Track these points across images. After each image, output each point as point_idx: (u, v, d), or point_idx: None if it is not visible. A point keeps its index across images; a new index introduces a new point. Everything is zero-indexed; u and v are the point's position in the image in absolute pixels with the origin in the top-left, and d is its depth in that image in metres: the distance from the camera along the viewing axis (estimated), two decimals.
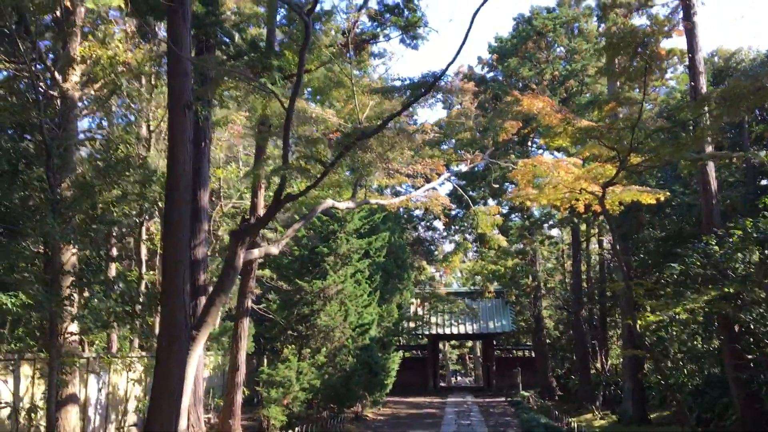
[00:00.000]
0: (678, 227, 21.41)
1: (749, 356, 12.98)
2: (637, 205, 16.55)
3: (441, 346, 49.98)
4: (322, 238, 22.71)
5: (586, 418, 24.35)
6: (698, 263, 12.88)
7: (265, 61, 13.11)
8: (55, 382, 11.66)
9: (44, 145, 11.59)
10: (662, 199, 14.55)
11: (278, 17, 16.06)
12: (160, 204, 15.91)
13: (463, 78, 20.24)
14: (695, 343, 18.40)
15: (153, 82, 19.52)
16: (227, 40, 13.97)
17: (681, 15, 16.25)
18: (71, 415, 13.19)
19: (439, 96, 14.36)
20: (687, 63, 17.06)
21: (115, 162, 12.90)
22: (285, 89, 12.35)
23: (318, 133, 13.53)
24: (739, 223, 12.54)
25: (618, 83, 20.98)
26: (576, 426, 19.24)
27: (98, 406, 16.30)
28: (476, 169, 29.55)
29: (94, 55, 13.67)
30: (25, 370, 13.00)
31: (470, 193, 29.86)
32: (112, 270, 20.17)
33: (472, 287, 42.94)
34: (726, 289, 11.65)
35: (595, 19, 29.97)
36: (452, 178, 28.86)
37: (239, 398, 16.60)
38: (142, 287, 19.11)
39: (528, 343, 43.35)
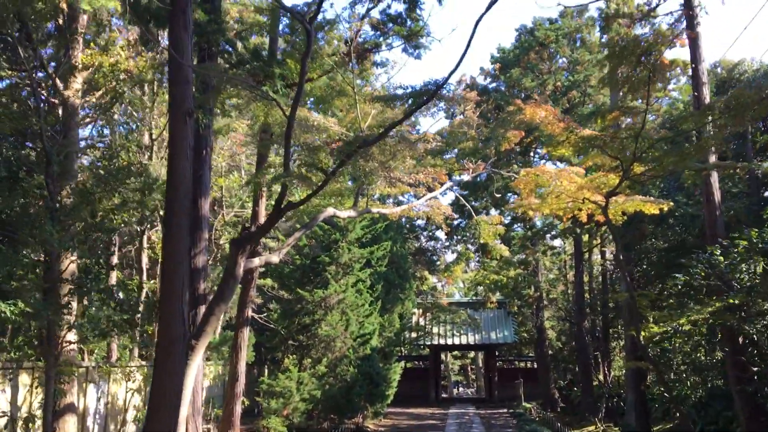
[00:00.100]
0: (681, 238, 21.29)
1: (755, 368, 12.83)
2: (640, 215, 16.43)
3: (443, 356, 49.77)
4: (324, 247, 22.65)
5: (588, 430, 24.17)
6: (703, 274, 12.77)
7: (267, 69, 13.10)
8: (52, 392, 11.56)
9: (44, 153, 11.55)
10: (665, 209, 14.45)
11: (281, 26, 16.07)
12: (160, 212, 15.86)
13: (466, 87, 20.19)
14: (698, 354, 18.24)
15: (155, 90, 19.53)
16: (229, 49, 13.96)
17: (684, 25, 16.20)
18: (69, 425, 13.09)
19: (442, 105, 14.33)
20: (690, 74, 16.97)
21: (116, 170, 12.86)
22: (288, 98, 12.31)
23: (320, 141, 13.48)
24: (744, 233, 12.43)
25: (620, 93, 20.96)
26: None
27: (97, 416, 16.19)
28: (478, 179, 29.49)
29: (96, 63, 13.66)
30: (24, 379, 12.91)
31: (472, 203, 29.76)
32: (113, 278, 20.13)
33: (474, 297, 42.78)
34: (731, 300, 11.54)
35: (597, 30, 29.98)
36: (455, 187, 28.80)
37: (238, 409, 16.47)
38: (143, 296, 19.06)
39: (530, 354, 43.16)
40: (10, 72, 13.09)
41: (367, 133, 13.07)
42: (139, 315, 15.01)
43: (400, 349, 33.96)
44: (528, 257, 32.92)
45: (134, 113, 19.89)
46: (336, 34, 17.18)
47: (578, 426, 25.00)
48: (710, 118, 11.40)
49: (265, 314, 23.50)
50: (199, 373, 13.18)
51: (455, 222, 33.36)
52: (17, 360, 12.98)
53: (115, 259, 20.75)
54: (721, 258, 12.49)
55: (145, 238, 20.91)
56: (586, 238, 31.45)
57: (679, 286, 14.62)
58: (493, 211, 32.26)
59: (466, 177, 20.58)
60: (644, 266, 23.50)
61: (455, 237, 37.14)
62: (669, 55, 12.29)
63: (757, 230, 12.12)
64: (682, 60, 16.43)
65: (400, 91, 15.31)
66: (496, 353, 39.62)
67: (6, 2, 11.74)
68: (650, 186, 20.60)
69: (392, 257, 27.75)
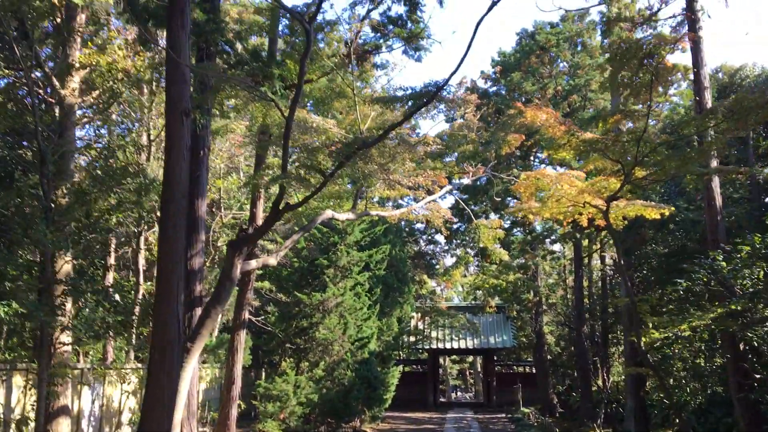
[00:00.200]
0: (681, 243, 21.19)
1: (757, 376, 12.71)
2: (641, 220, 16.32)
3: (441, 360, 49.57)
4: (322, 250, 22.53)
5: None
6: (705, 279, 12.65)
7: (266, 70, 12.97)
8: (44, 393, 11.43)
9: (39, 152, 11.44)
10: (666, 214, 14.35)
11: (280, 27, 15.97)
12: (157, 213, 15.73)
13: (466, 90, 20.08)
14: (698, 361, 18.13)
15: (154, 91, 19.43)
16: (228, 49, 13.84)
17: (686, 29, 16.13)
18: (62, 427, 12.93)
19: (442, 107, 14.23)
20: (691, 78, 16.92)
21: (112, 170, 12.75)
22: (287, 100, 12.21)
23: (319, 143, 13.37)
24: (747, 238, 12.32)
25: (621, 98, 20.87)
26: None
27: (92, 418, 16.04)
28: (478, 182, 29.37)
29: (93, 62, 13.55)
30: (17, 380, 12.77)
31: (472, 207, 29.66)
32: (110, 279, 20.00)
33: (473, 302, 42.63)
34: (733, 306, 11.42)
35: (598, 34, 29.91)
36: (454, 191, 28.69)
37: (234, 412, 16.33)
38: (139, 298, 18.93)
39: (529, 359, 42.98)
40: (6, 71, 12.98)
41: (367, 135, 12.97)
42: (135, 317, 14.87)
43: (398, 353, 33.79)
44: (527, 262, 32.80)
45: (132, 113, 19.77)
46: (336, 35, 17.09)
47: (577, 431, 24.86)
48: (713, 122, 11.28)
49: (262, 317, 23.36)
50: (195, 376, 13.05)
51: (455, 226, 33.21)
52: (11, 361, 12.85)
53: (111, 260, 20.62)
54: (724, 263, 12.38)
55: (142, 239, 20.77)
56: (585, 243, 31.35)
57: (681, 292, 14.51)
58: (492, 216, 32.11)
59: (466, 180, 20.47)
60: (644, 271, 23.40)
61: (454, 241, 37.00)
62: (669, 60, 12.16)
63: (760, 235, 12.01)
64: (683, 65, 16.35)
65: (400, 93, 15.20)
66: (495, 358, 39.46)
67: (3, 0, 11.64)
68: (650, 191, 20.51)
69: (391, 261, 27.62)
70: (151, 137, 20.21)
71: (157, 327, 8.60)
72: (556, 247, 37.78)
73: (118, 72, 13.94)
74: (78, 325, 12.04)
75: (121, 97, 16.14)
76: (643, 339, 12.98)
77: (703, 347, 17.05)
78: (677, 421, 18.35)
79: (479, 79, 32.63)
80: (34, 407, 12.18)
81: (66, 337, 12.31)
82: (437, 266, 40.16)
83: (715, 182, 15.73)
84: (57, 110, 13.34)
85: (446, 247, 39.88)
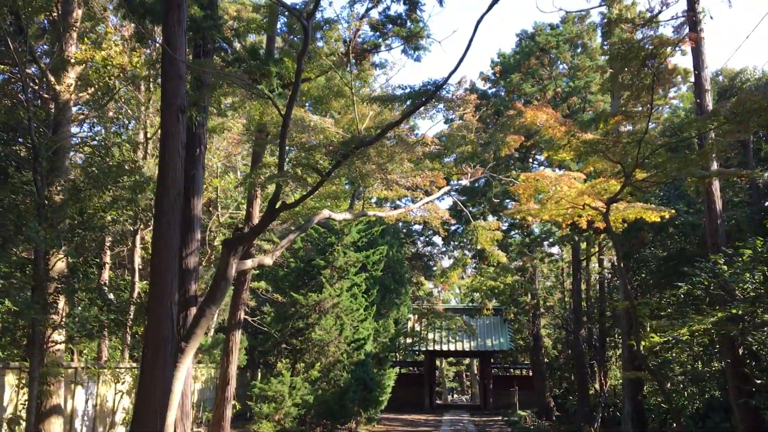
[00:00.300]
0: (680, 247, 21.10)
1: (758, 381, 12.59)
2: (640, 223, 16.21)
3: (438, 363, 49.45)
4: (319, 250, 22.42)
5: None
6: (706, 282, 12.54)
7: (263, 67, 12.86)
8: (35, 393, 11.27)
9: (33, 148, 11.30)
10: (667, 217, 14.24)
11: (279, 25, 15.87)
12: (154, 211, 15.57)
13: (466, 90, 19.96)
14: (697, 365, 18.02)
15: (151, 88, 19.29)
16: (226, 46, 13.73)
17: (687, 30, 16.03)
18: (55, 427, 12.76)
19: (441, 106, 14.07)
20: (691, 81, 16.82)
21: (107, 167, 12.60)
22: (285, 99, 12.09)
23: (316, 142, 13.25)
24: (749, 241, 12.21)
25: (621, 100, 20.76)
26: None
27: (85, 418, 15.90)
28: (477, 184, 29.29)
29: (89, 57, 13.42)
30: (10, 379, 12.64)
31: (470, 209, 29.54)
32: (105, 278, 19.84)
33: (470, 304, 42.54)
34: (734, 311, 11.31)
35: (598, 36, 29.85)
36: (453, 192, 28.60)
37: (229, 413, 16.19)
38: (135, 296, 18.78)
39: (526, 362, 42.90)
40: (1, 66, 12.85)
41: (365, 134, 12.84)
42: (130, 316, 14.72)
43: (394, 355, 33.65)
44: (525, 264, 32.70)
45: (129, 111, 19.64)
46: (334, 34, 16.98)
47: None
48: (715, 123, 11.18)
49: (258, 317, 23.24)
50: (189, 376, 12.92)
51: (452, 227, 33.13)
52: (3, 360, 12.71)
53: (107, 259, 20.48)
54: (725, 267, 12.26)
55: (138, 238, 20.63)
56: (583, 246, 31.26)
57: (682, 295, 14.39)
58: (491, 218, 32.01)
59: (464, 181, 20.38)
60: (642, 275, 23.30)
61: (452, 243, 36.91)
62: (670, 62, 12.07)
63: (762, 239, 11.89)
64: (682, 68, 16.28)
65: (398, 92, 15.06)
66: (492, 360, 39.38)
67: None
68: (650, 194, 20.42)
69: (388, 262, 27.51)
70: (148, 135, 20.07)
71: (151, 324, 8.49)
72: (554, 249, 37.73)
73: (113, 68, 13.80)
74: (70, 324, 11.89)
75: (117, 94, 16.00)
76: (643, 343, 12.86)
77: (700, 352, 16.94)
78: (675, 425, 18.25)
79: (478, 80, 32.56)
80: (23, 406, 12.04)
81: (58, 336, 12.16)
82: (434, 268, 40.06)
83: (716, 185, 15.64)
84: (52, 106, 13.20)
85: (444, 249, 39.82)
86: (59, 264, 12.07)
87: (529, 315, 35.91)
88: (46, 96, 13.20)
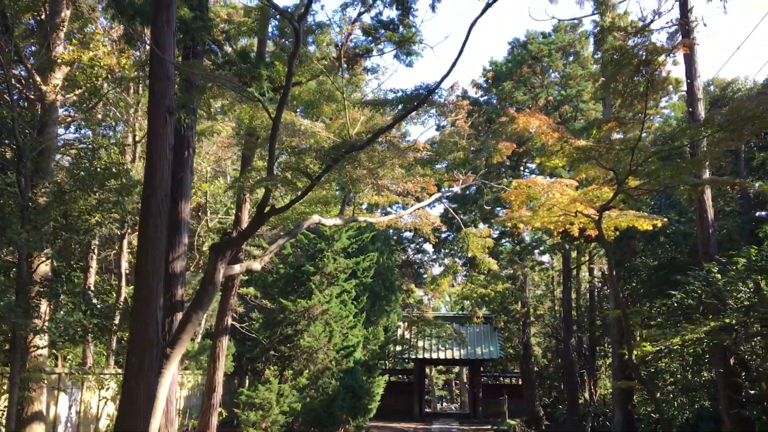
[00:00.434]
0: (671, 256, 21.07)
1: (752, 392, 12.49)
2: (631, 232, 16.16)
3: (427, 371, 49.21)
4: (309, 256, 22.22)
5: None
6: (700, 291, 12.45)
7: (254, 70, 12.70)
8: (15, 399, 11.02)
9: (17, 149, 11.09)
10: (659, 225, 14.17)
11: (270, 28, 15.72)
12: (141, 212, 15.32)
13: (458, 96, 19.92)
14: (687, 374, 17.94)
15: (140, 90, 19.09)
16: (216, 49, 13.57)
17: (680, 39, 16.03)
18: None
19: (433, 111, 13.92)
20: (683, 91, 16.83)
21: (93, 170, 12.40)
22: (276, 103, 11.95)
23: (306, 146, 13.09)
24: (743, 250, 12.14)
25: (613, 108, 20.74)
26: None
27: (68, 424, 15.62)
28: (468, 191, 29.19)
29: (76, 58, 13.23)
30: None
31: (461, 216, 29.43)
32: (91, 282, 19.58)
33: (460, 312, 42.37)
34: (727, 320, 11.22)
35: (591, 44, 29.86)
36: (444, 199, 28.48)
37: (215, 420, 15.94)
38: (121, 301, 18.53)
39: (515, 371, 42.73)
40: None
41: (356, 139, 12.70)
42: (115, 321, 14.49)
43: (384, 363, 33.42)
44: (516, 272, 32.60)
45: (117, 113, 19.42)
46: (326, 38, 16.85)
47: None
48: (708, 131, 11.11)
49: (246, 324, 22.99)
50: (175, 382, 12.70)
51: (443, 235, 33.02)
52: None
53: (93, 263, 20.22)
54: (719, 276, 12.18)
55: (125, 242, 20.39)
56: (574, 254, 31.22)
57: (675, 304, 14.31)
58: (482, 225, 31.92)
59: (456, 188, 20.23)
60: (633, 284, 23.25)
61: (443, 250, 36.79)
62: (664, 69, 11.99)
63: (756, 248, 11.82)
64: (674, 78, 16.29)
65: (390, 96, 14.93)
66: (481, 369, 39.18)
67: None
68: (641, 203, 20.39)
69: (378, 269, 27.33)
70: (137, 138, 19.85)
71: (135, 329, 8.28)
72: (545, 258, 37.67)
73: (101, 69, 13.61)
74: (52, 328, 11.66)
75: (105, 96, 15.80)
76: (635, 352, 12.74)
77: (690, 361, 16.87)
78: None
79: (470, 87, 32.55)
80: (1, 413, 11.79)
81: (41, 341, 11.93)
82: (425, 275, 39.92)
83: (707, 194, 15.62)
84: (38, 107, 12.99)
85: (434, 256, 39.70)
86: (43, 267, 11.85)
87: (519, 323, 35.79)
88: (32, 97, 13.00)
